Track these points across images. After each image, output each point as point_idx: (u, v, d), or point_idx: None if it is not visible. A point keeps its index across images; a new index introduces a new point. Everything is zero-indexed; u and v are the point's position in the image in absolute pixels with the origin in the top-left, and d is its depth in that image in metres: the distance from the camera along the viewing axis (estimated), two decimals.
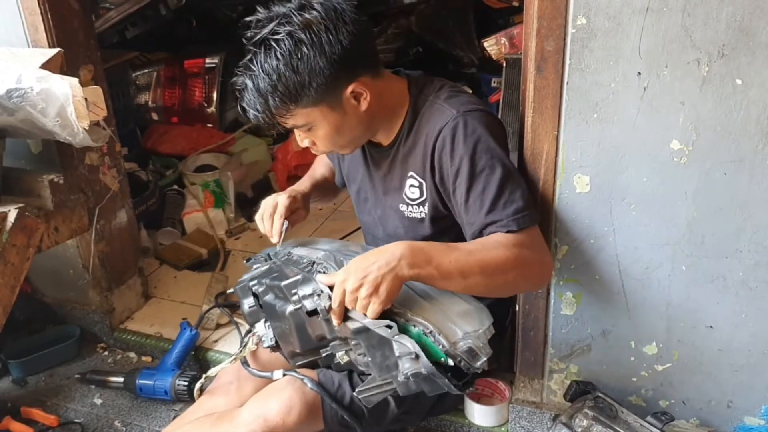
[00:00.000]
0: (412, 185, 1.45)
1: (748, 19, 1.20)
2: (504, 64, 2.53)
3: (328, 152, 1.50)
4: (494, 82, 3.11)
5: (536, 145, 1.43)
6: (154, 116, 3.28)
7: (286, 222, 1.50)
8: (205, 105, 3.24)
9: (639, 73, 1.29)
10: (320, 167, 1.79)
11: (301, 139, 1.40)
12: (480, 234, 1.33)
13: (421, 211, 1.47)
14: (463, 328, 1.24)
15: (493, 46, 2.99)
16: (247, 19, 1.28)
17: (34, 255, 1.79)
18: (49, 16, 1.83)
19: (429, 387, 1.22)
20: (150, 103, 3.25)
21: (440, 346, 1.21)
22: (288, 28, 1.23)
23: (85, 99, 1.58)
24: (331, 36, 1.24)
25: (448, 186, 1.38)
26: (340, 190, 1.81)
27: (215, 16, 3.61)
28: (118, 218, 2.20)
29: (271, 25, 1.24)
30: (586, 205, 1.44)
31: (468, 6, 3.52)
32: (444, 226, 1.47)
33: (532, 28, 1.34)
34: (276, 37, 1.24)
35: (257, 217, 1.54)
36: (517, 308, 1.63)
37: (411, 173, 1.44)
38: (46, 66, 1.66)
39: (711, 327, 1.48)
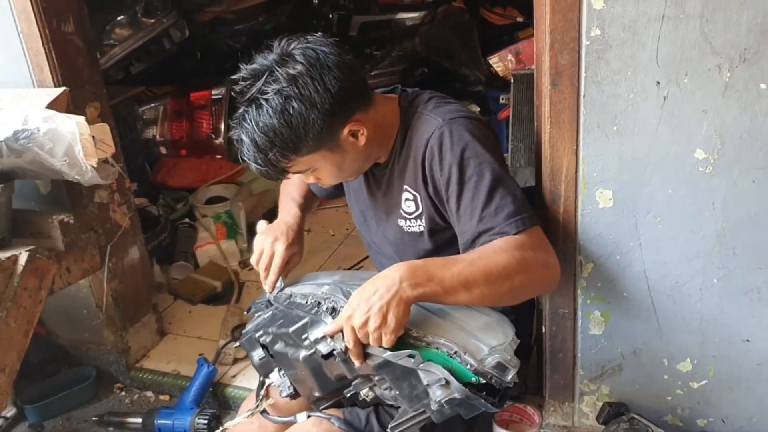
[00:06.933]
0: (407, 199, 1.43)
1: None
2: (512, 80, 2.50)
3: (335, 184, 1.51)
4: (502, 99, 3.09)
5: (555, 161, 1.39)
6: (163, 150, 3.28)
7: (282, 278, 1.48)
8: (213, 136, 3.24)
9: (658, 83, 1.26)
10: (294, 189, 1.72)
11: (307, 177, 1.41)
12: (473, 243, 1.29)
13: (419, 225, 1.43)
14: (488, 343, 1.19)
15: (499, 62, 2.97)
16: (232, 77, 1.30)
17: (47, 297, 1.76)
18: (54, 56, 1.82)
19: (465, 410, 1.16)
20: (158, 137, 3.25)
21: (468, 366, 1.16)
22: (275, 86, 1.23)
23: (93, 137, 1.57)
24: (318, 85, 1.24)
25: (442, 195, 1.35)
26: (318, 201, 1.79)
27: (219, 48, 3.62)
28: (130, 255, 2.18)
29: (259, 84, 1.25)
30: (610, 220, 1.40)
31: (472, 24, 3.52)
32: (445, 239, 1.43)
33: (545, 43, 1.32)
34: (265, 96, 1.24)
35: (253, 260, 1.52)
36: (543, 329, 1.59)
37: (405, 187, 1.42)
38: (52, 105, 1.65)
39: (747, 341, 1.42)
